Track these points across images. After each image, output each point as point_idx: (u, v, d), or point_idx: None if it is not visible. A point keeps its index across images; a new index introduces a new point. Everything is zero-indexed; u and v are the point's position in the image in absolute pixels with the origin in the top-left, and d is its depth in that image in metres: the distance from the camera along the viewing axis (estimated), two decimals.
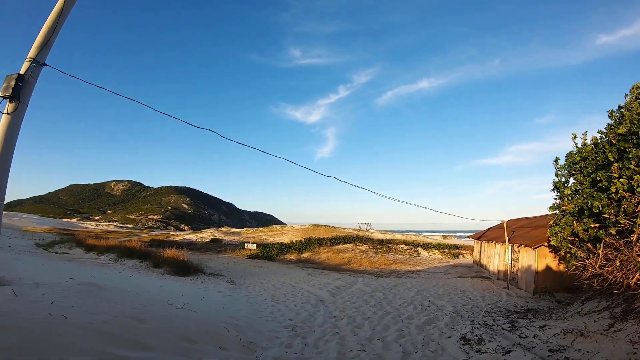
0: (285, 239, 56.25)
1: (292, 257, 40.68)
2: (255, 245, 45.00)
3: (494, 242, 27.20)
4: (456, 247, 48.92)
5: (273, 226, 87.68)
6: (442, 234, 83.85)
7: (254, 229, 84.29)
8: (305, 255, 41.24)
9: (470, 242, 58.25)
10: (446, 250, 46.46)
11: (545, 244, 17.96)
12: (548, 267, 18.62)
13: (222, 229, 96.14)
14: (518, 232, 23.92)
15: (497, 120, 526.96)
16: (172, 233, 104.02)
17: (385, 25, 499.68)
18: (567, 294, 17.35)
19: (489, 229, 34.75)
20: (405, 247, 47.72)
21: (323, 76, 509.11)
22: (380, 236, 58.15)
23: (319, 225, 71.70)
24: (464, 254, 45.04)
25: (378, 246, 46.54)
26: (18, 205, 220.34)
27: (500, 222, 35.66)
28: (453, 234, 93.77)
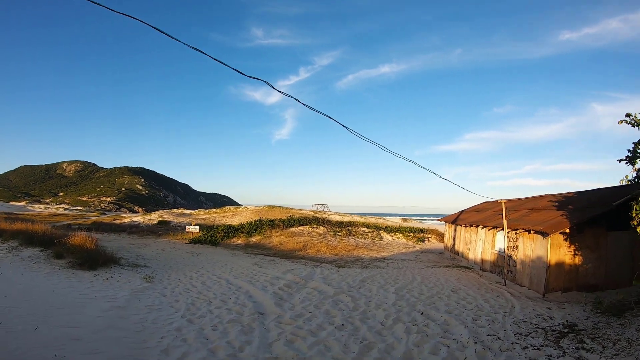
0: (237, 220, 50.79)
1: (239, 242, 34.94)
2: (197, 227, 38.87)
3: (475, 226, 22.60)
4: (421, 230, 44.56)
5: (226, 207, 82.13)
6: (401, 217, 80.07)
7: (207, 211, 78.22)
8: (254, 239, 35.55)
9: (436, 225, 55.07)
10: (411, 234, 42.12)
11: (567, 230, 13.38)
12: (562, 260, 14.19)
13: (174, 210, 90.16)
14: (511, 214, 19.19)
15: (455, 108, 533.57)
16: (123, 215, 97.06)
17: (351, 9, 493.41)
18: (584, 293, 13.47)
19: (463, 211, 30.36)
20: (366, 230, 42.95)
21: (284, 57, 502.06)
22: (338, 218, 53.12)
23: (274, 207, 66.58)
24: (429, 239, 41.13)
25: (337, 229, 41.41)
26: None
27: (481, 202, 31.55)
28: (412, 217, 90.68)
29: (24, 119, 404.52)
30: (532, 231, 15.32)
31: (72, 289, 12.15)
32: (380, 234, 41.59)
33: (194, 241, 34.33)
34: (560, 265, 14.12)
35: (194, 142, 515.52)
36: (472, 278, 18.48)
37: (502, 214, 17.52)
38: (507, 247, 17.50)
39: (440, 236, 41.97)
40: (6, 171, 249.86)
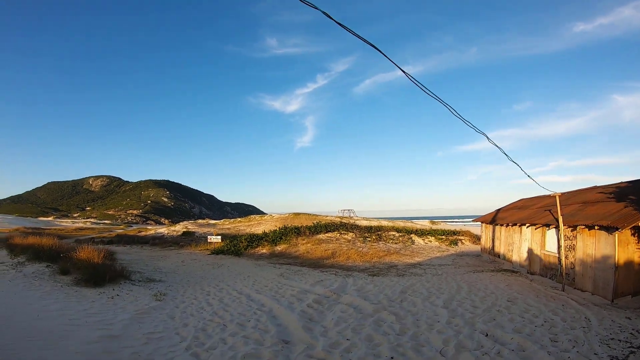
0: (262, 229, 49.00)
1: (264, 251, 32.96)
2: (219, 237, 37.04)
3: (518, 225, 20.25)
4: (453, 232, 42.01)
5: (251, 216, 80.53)
6: (429, 219, 77.24)
7: (232, 220, 77.00)
8: (280, 247, 33.53)
9: (468, 226, 52.38)
10: (443, 236, 39.54)
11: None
12: (630, 259, 12.01)
13: (199, 221, 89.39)
14: (561, 210, 16.85)
15: (475, 107, 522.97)
16: (149, 227, 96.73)
17: (362, 13, 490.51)
18: None
19: (499, 210, 27.93)
20: (397, 234, 40.50)
21: (300, 65, 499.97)
22: (366, 223, 50.79)
23: (299, 214, 64.74)
24: (463, 241, 38.43)
25: (366, 234, 39.08)
26: None
27: (518, 200, 29.10)
28: (441, 219, 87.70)
29: (49, 136, 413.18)
30: (595, 227, 13.00)
31: (62, 313, 10.32)
32: (411, 238, 39.19)
33: (216, 252, 32.53)
34: (629, 265, 11.95)
35: (217, 154, 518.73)
36: (523, 284, 16.19)
37: (549, 210, 15.26)
38: (563, 246, 15.14)
39: (474, 238, 39.57)
40: (34, 188, 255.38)
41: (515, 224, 20.85)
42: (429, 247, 35.88)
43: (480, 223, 29.58)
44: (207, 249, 35.16)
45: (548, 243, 17.39)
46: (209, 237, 38.01)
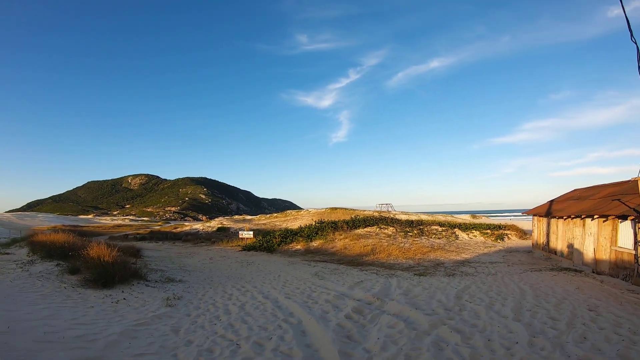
0: (298, 224, 47.12)
1: (298, 247, 30.92)
2: (251, 233, 35.22)
3: (580, 217, 17.63)
4: (499, 227, 39.01)
5: (287, 211, 78.89)
6: (470, 213, 73.93)
7: (268, 216, 75.72)
8: (315, 243, 31.40)
9: (514, 220, 49.36)
10: (488, 231, 36.75)
11: None
12: None
13: (235, 217, 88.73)
14: (628, 199, 14.18)
15: (510, 97, 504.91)
16: (185, 224, 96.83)
17: (391, 6, 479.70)
18: None
19: (553, 201, 25.07)
20: (440, 228, 37.88)
21: (332, 61, 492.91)
22: (404, 217, 48.22)
23: (336, 208, 62.68)
24: (509, 236, 35.59)
25: (407, 229, 36.52)
26: (38, 205, 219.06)
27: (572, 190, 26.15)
28: (481, 214, 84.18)
29: (89, 136, 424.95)
30: None
31: (45, 322, 8.43)
32: (455, 233, 36.49)
33: (248, 248, 30.73)
34: None
35: (253, 150, 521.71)
36: (594, 286, 13.56)
37: (619, 199, 12.51)
38: None
39: (520, 232, 36.88)
40: (75, 187, 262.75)
41: (577, 216, 18.11)
42: (474, 242, 33.22)
43: (531, 216, 26.95)
44: (239, 245, 33.44)
45: (621, 238, 14.65)
46: (240, 232, 36.30)
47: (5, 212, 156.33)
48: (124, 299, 11.76)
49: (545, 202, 26.42)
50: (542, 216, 24.06)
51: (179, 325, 9.24)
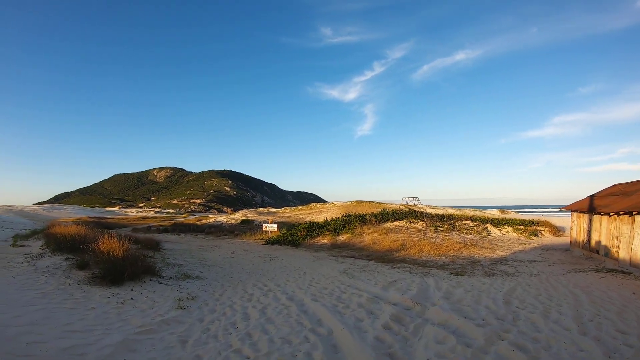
0: (324, 217, 45.79)
1: (325, 241, 29.53)
2: (275, 226, 33.91)
3: (628, 214, 16.03)
4: (532, 222, 36.97)
5: (312, 204, 77.72)
6: (498, 208, 71.62)
7: (292, 208, 74.57)
8: (342, 237, 29.96)
9: (545, 216, 47.34)
10: (521, 227, 34.70)
11: None
12: None
13: (260, 209, 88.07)
14: None
15: (538, 91, 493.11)
16: (210, 216, 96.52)
17: None
18: None
19: (593, 196, 23.15)
20: (471, 223, 35.98)
21: (357, 53, 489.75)
22: (432, 211, 46.38)
23: (362, 202, 61.25)
24: (542, 232, 33.71)
25: (438, 223, 34.72)
26: (65, 198, 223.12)
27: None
28: (510, 209, 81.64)
29: (115, 130, 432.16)
30: None
31: (29, 330, 7.23)
32: (487, 228, 34.54)
33: (272, 242, 29.47)
34: None
35: (278, 143, 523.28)
36: None
37: None
38: None
39: (554, 229, 34.75)
40: (101, 180, 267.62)
41: (625, 213, 16.28)
42: (507, 238, 31.31)
43: (568, 212, 25.04)
44: (262, 239, 32.26)
45: None
46: (264, 225, 35.04)
47: (33, 204, 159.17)
48: (132, 298, 10.53)
49: (585, 197, 24.55)
50: (582, 212, 22.17)
51: (188, 333, 7.92)
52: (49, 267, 13.94)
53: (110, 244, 13.93)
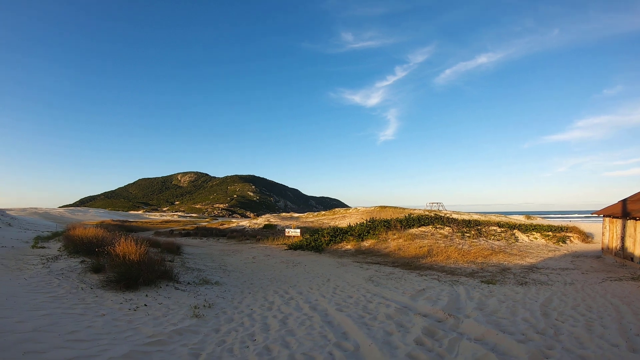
0: (347, 222, 45.12)
1: (348, 247, 28.74)
2: (298, 231, 33.21)
3: None
4: (561, 229, 35.58)
5: (336, 209, 76.89)
6: (524, 214, 69.83)
7: (315, 214, 73.97)
8: (367, 243, 29.14)
9: (574, 221, 45.89)
10: (550, 233, 33.33)
11: None
12: None
13: (283, 214, 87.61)
14: None
15: (562, 94, 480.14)
16: (233, 220, 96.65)
17: (435, 1, 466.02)
18: None
19: (626, 201, 21.96)
20: (498, 229, 34.75)
21: (378, 58, 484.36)
22: (457, 217, 45.18)
23: (385, 207, 60.24)
24: (571, 238, 32.34)
25: (464, 229, 33.64)
26: (90, 201, 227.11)
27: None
28: (536, 214, 79.69)
29: (140, 134, 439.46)
30: None
31: (34, 335, 6.68)
32: (514, 234, 33.29)
33: (294, 247, 28.81)
34: None
35: (301, 148, 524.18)
36: None
37: None
38: None
39: (583, 235, 33.37)
40: (126, 184, 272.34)
41: None
42: (536, 245, 30.11)
43: (601, 217, 23.86)
44: (285, 244, 31.64)
45: None
46: (286, 230, 34.33)
47: (59, 207, 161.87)
48: (145, 305, 9.95)
49: (617, 201, 23.33)
50: (615, 217, 21.07)
51: (202, 346, 7.27)
52: (64, 270, 13.53)
53: (127, 247, 13.43)
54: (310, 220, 60.25)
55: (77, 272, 13.31)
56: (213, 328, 8.49)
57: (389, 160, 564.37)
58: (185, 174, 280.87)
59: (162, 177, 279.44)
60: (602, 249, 23.23)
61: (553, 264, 21.05)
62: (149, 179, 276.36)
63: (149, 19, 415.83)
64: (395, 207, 59.96)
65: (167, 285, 12.42)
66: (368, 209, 62.40)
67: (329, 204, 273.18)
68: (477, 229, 34.14)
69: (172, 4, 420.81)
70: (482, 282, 15.38)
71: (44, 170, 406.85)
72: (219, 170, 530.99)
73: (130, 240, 14.12)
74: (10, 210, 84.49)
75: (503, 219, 46.83)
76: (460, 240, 29.63)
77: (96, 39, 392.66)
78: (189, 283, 13.50)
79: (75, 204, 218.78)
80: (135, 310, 9.40)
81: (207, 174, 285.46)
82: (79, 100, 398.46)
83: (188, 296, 11.50)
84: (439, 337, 8.01)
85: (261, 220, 61.72)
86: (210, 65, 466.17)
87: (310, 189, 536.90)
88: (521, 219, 48.39)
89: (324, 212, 73.50)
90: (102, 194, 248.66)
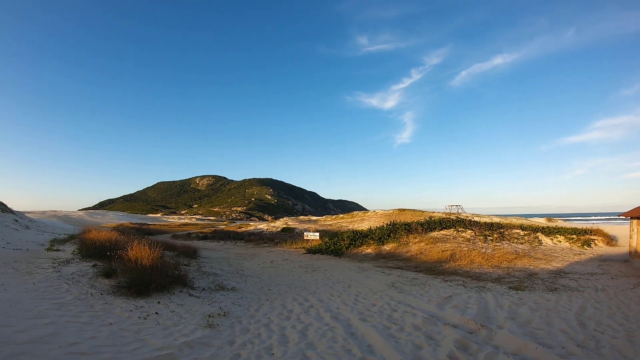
0: (366, 225, 44.39)
1: (369, 251, 27.94)
2: (317, 234, 32.45)
3: None
4: (585, 231, 34.39)
5: (354, 212, 76.23)
6: (545, 216, 68.24)
7: (334, 217, 73.20)
8: (387, 247, 28.29)
9: (597, 224, 44.89)
10: (574, 236, 32.18)
11: None
12: None
13: (301, 217, 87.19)
14: None
15: (579, 94, 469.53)
16: (251, 223, 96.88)
17: (449, 3, 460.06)
18: None
19: None
20: (521, 232, 33.64)
21: (394, 61, 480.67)
22: (477, 220, 44.09)
23: (404, 210, 59.33)
24: (596, 242, 31.13)
25: (486, 232, 32.58)
26: (109, 204, 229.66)
27: None
28: (557, 217, 78.05)
29: (159, 138, 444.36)
30: None
31: (32, 347, 6.11)
32: (537, 237, 32.10)
33: (313, 251, 28.11)
34: None
35: (319, 151, 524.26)
36: None
37: None
38: None
39: (607, 238, 32.26)
40: (145, 187, 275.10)
41: None
42: (560, 248, 29.00)
43: (628, 219, 22.88)
44: (303, 247, 30.97)
45: None
46: (305, 233, 33.66)
47: (79, 210, 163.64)
48: (156, 313, 9.36)
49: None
50: None
51: None
52: (74, 274, 13.06)
53: (139, 251, 12.88)
54: (329, 223, 59.57)
55: (88, 276, 12.82)
56: (227, 340, 7.85)
57: (406, 163, 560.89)
58: (203, 177, 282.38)
59: (180, 181, 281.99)
60: (630, 252, 22.36)
61: (580, 269, 20.26)
62: (167, 182, 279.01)
63: (170, 22, 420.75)
64: (414, 210, 59.04)
65: (180, 292, 11.85)
66: (387, 212, 61.55)
67: (346, 207, 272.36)
68: (500, 232, 33.07)
69: (192, 10, 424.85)
70: (510, 288, 14.65)
71: (66, 174, 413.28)
72: (236, 173, 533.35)
73: (144, 244, 13.58)
74: (30, 213, 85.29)
75: (525, 221, 45.64)
76: (483, 244, 28.67)
77: (120, 42, 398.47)
78: (203, 289, 12.91)
79: (95, 207, 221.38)
80: (145, 318, 8.82)
81: (225, 178, 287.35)
82: (99, 104, 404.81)
83: (202, 303, 10.89)
84: (473, 351, 7.32)
85: (279, 224, 61.22)
86: (229, 71, 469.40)
87: (327, 193, 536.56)
88: (543, 222, 47.17)
89: (342, 215, 72.79)
90: (121, 197, 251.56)
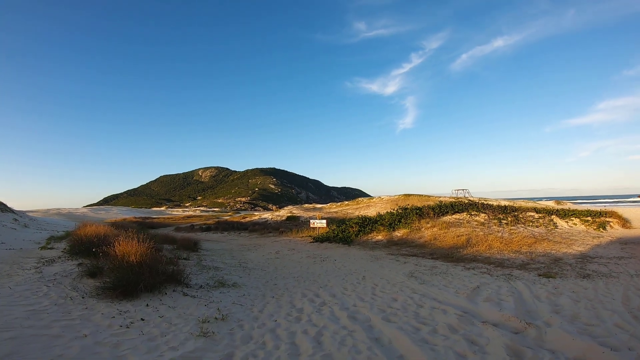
0: (372, 211, 42.97)
1: (379, 237, 26.47)
2: (324, 222, 30.93)
3: None
4: (599, 214, 33.06)
5: (359, 199, 74.82)
6: (554, 199, 66.81)
7: (338, 204, 71.82)
8: (399, 233, 26.82)
9: (610, 206, 44.53)
10: (589, 218, 31.03)
11: None
12: None
13: (305, 205, 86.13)
14: None
15: (581, 75, 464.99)
16: (255, 213, 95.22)
17: None
18: None
19: None
20: (536, 215, 32.20)
21: (393, 46, 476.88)
22: (494, 202, 42.67)
23: (410, 195, 57.81)
24: (611, 224, 30.54)
25: (500, 216, 31.11)
26: (114, 200, 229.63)
27: None
28: (565, 200, 76.72)
29: (161, 132, 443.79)
30: None
31: None
32: (552, 220, 30.69)
33: (320, 239, 26.69)
34: None
35: (321, 139, 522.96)
36: None
37: None
38: None
39: (622, 220, 31.88)
40: (148, 181, 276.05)
41: None
42: (576, 231, 27.65)
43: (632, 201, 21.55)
44: (310, 236, 29.59)
45: None
46: (311, 221, 32.18)
47: (83, 206, 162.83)
48: (142, 319, 7.93)
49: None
50: None
51: None
52: (57, 275, 11.70)
53: (126, 246, 11.43)
54: (334, 210, 58.21)
55: (72, 277, 11.45)
56: (225, 353, 6.35)
57: (408, 148, 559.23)
58: (206, 169, 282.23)
59: (183, 173, 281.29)
60: None
61: (604, 252, 18.96)
62: (170, 175, 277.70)
63: (166, 18, 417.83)
64: (420, 195, 57.63)
65: (174, 291, 10.41)
66: (392, 197, 60.14)
67: (350, 194, 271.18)
68: (514, 215, 31.60)
69: (190, 1, 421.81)
70: (539, 275, 13.24)
71: (70, 171, 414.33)
72: (239, 164, 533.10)
73: (132, 238, 12.14)
74: (34, 211, 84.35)
75: (537, 204, 44.28)
76: (498, 228, 27.19)
77: (118, 40, 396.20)
78: (201, 286, 11.48)
79: (99, 203, 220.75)
80: (128, 327, 7.40)
81: (227, 169, 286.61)
82: (98, 101, 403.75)
83: (198, 305, 9.44)
84: (527, 357, 5.89)
85: (284, 212, 59.98)
86: (228, 60, 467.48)
87: (331, 180, 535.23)
88: (551, 204, 45.84)
89: (347, 202, 71.46)
90: (125, 192, 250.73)
